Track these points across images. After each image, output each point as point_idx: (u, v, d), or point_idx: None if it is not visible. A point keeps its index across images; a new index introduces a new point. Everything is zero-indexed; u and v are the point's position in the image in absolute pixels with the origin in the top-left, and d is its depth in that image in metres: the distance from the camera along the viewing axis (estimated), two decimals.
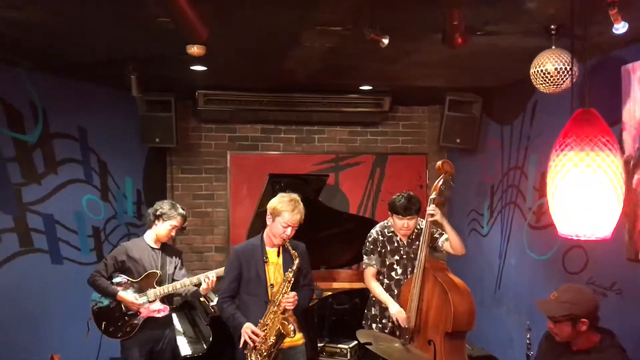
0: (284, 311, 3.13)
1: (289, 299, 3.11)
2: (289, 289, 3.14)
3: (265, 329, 3.10)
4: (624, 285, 3.29)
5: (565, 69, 2.89)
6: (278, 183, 4.22)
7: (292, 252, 3.16)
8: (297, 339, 3.28)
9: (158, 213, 3.64)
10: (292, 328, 3.07)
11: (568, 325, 2.68)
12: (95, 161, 4.68)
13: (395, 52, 3.55)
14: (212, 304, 4.05)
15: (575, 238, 1.72)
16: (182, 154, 5.60)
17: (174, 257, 3.77)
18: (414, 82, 4.64)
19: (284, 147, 5.80)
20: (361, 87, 5.01)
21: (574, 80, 2.66)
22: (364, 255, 3.91)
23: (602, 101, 3.42)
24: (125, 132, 5.00)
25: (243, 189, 5.68)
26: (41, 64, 3.96)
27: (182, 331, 4.13)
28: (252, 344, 3.10)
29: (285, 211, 3.14)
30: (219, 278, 3.62)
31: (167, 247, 3.78)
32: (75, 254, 4.42)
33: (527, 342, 3.43)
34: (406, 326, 3.52)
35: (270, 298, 3.15)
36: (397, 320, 3.58)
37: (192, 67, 4.06)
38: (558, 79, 2.93)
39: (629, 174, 3.16)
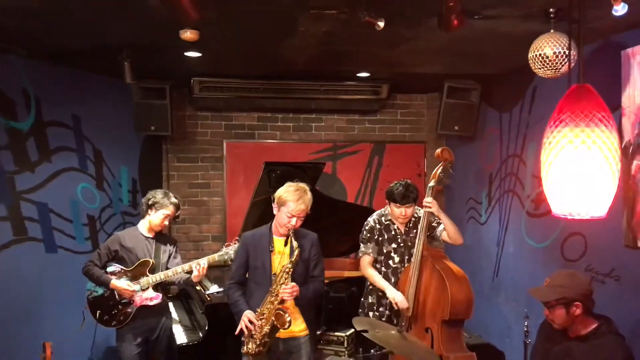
0: (282, 302, 3.11)
1: (287, 290, 3.09)
2: (288, 279, 3.12)
3: (262, 318, 3.10)
4: (622, 271, 3.26)
5: (564, 52, 2.85)
6: (274, 171, 4.19)
7: (294, 243, 3.14)
8: (300, 330, 3.26)
9: (151, 202, 3.64)
10: (287, 319, 3.05)
11: (562, 309, 2.67)
12: (90, 149, 4.64)
13: (393, 38, 3.50)
14: (207, 292, 4.04)
15: (569, 217, 1.68)
16: (178, 142, 5.56)
17: (168, 246, 3.75)
18: (412, 69, 4.59)
19: (280, 135, 5.76)
20: (359, 75, 4.96)
21: (572, 64, 2.62)
22: (361, 244, 3.89)
23: (601, 86, 3.36)
24: (121, 120, 4.95)
25: (239, 177, 5.65)
26: (34, 52, 3.91)
27: (178, 320, 4.13)
28: (246, 332, 3.10)
29: (290, 201, 3.12)
30: (213, 265, 3.61)
31: (161, 236, 3.76)
32: (70, 242, 4.39)
33: (525, 330, 3.43)
34: (403, 308, 3.51)
35: (271, 288, 3.14)
36: (396, 305, 3.57)
37: (186, 54, 4.00)
38: (557, 63, 2.89)
39: (628, 160, 3.13)
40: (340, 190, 5.81)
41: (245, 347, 3.15)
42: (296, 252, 3.12)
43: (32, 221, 4.08)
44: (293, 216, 3.14)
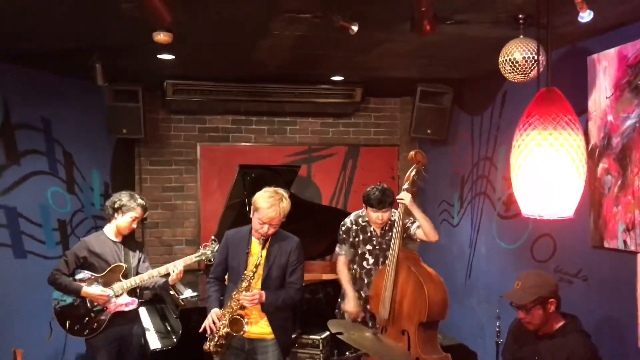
0: (242, 307, 3.11)
1: (247, 297, 3.08)
2: (249, 286, 3.11)
3: (223, 320, 3.11)
4: (589, 272, 3.35)
5: (533, 57, 2.91)
6: (248, 174, 4.18)
7: (267, 246, 3.14)
8: (266, 332, 3.24)
9: (117, 205, 3.55)
10: (244, 327, 3.09)
11: (539, 309, 2.73)
12: (60, 153, 4.56)
13: (366, 42, 3.53)
14: (181, 297, 4.00)
15: (538, 218, 1.73)
16: (151, 146, 5.50)
17: (136, 251, 3.69)
18: (385, 73, 4.63)
19: (255, 138, 5.74)
20: (333, 78, 4.98)
21: (541, 69, 2.68)
22: (337, 244, 3.93)
23: (568, 91, 3.46)
24: (92, 123, 4.88)
25: (214, 181, 5.61)
26: (1, 53, 3.82)
27: (151, 325, 4.07)
28: (208, 331, 3.12)
29: (262, 207, 3.08)
30: (188, 269, 3.59)
31: (128, 240, 3.69)
32: (40, 247, 4.31)
33: (497, 330, 3.49)
34: (382, 311, 3.54)
35: (236, 292, 3.14)
36: (349, 314, 3.69)
37: (159, 56, 3.97)
38: (526, 67, 2.95)
39: (594, 162, 3.21)
40: (315, 193, 5.83)
41: (206, 345, 3.15)
42: (258, 261, 3.12)
43: None
44: (264, 223, 3.10)
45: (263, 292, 3.13)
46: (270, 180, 4.43)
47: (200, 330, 3.15)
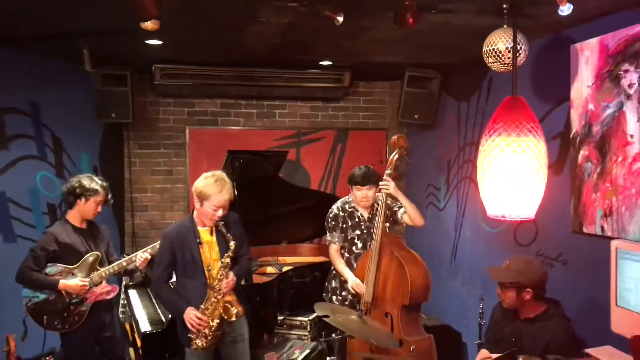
0: (223, 295, 3.14)
1: (227, 285, 3.13)
2: (228, 273, 3.15)
3: (207, 313, 3.12)
4: (569, 255, 3.44)
5: (512, 49, 2.96)
6: (237, 159, 4.21)
7: (228, 235, 3.13)
8: (240, 309, 3.28)
9: (78, 192, 3.41)
10: (234, 311, 3.12)
11: (513, 292, 2.85)
12: (49, 137, 4.56)
13: (353, 29, 3.55)
14: (171, 280, 4.05)
15: (502, 219, 1.80)
16: (140, 129, 5.51)
17: (102, 234, 3.63)
18: (373, 58, 4.66)
19: (244, 122, 5.76)
20: (321, 63, 4.99)
21: (523, 60, 2.73)
22: (327, 232, 3.98)
23: (552, 79, 3.55)
24: (81, 107, 4.87)
25: (203, 164, 5.63)
26: None
27: (142, 308, 4.13)
28: (195, 330, 3.11)
29: (213, 194, 3.06)
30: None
31: (92, 226, 3.59)
32: (30, 231, 4.33)
33: (480, 311, 3.60)
34: (366, 294, 3.62)
35: (209, 283, 3.14)
36: (355, 291, 3.67)
37: (147, 41, 3.97)
38: (509, 57, 3.00)
39: (575, 150, 3.28)
40: (304, 177, 5.88)
41: (194, 343, 3.13)
42: (232, 245, 3.12)
43: None
44: (219, 208, 3.10)
45: (231, 272, 3.18)
46: (259, 165, 4.50)
47: (190, 334, 3.13)
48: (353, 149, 5.99)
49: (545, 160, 1.77)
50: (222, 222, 3.15)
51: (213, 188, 3.07)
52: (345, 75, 5.26)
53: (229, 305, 3.13)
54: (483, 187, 1.80)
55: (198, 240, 3.17)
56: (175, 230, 3.24)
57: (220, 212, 3.12)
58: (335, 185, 5.96)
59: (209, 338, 3.13)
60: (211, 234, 3.21)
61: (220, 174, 3.16)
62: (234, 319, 3.15)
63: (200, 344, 3.13)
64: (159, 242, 3.33)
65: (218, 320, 3.13)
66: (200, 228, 3.21)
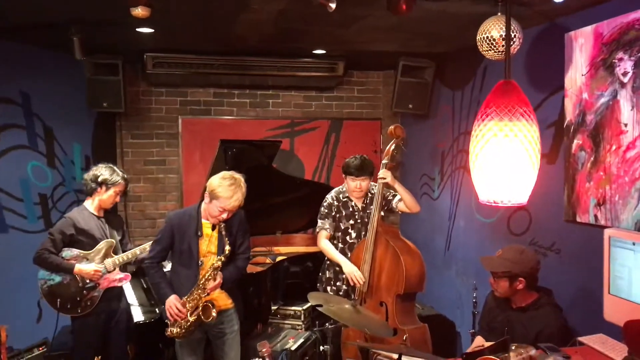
0: (208, 293, 3.15)
1: (213, 286, 3.14)
2: (216, 274, 3.14)
3: (188, 307, 3.13)
4: (562, 245, 3.44)
5: (505, 36, 2.93)
6: (230, 149, 4.19)
7: (225, 239, 3.12)
8: (227, 303, 3.33)
9: (100, 180, 3.50)
10: (213, 313, 3.12)
11: (506, 282, 2.85)
12: (40, 127, 4.52)
13: (346, 17, 3.52)
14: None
15: (494, 205, 1.79)
16: (132, 119, 5.46)
17: (119, 225, 3.70)
18: (367, 47, 4.62)
19: (237, 111, 5.73)
20: (315, 52, 4.96)
21: (517, 48, 2.71)
22: (319, 219, 3.97)
23: (546, 68, 3.53)
24: (72, 97, 4.82)
25: (196, 154, 5.61)
26: None
27: (135, 298, 4.12)
28: (172, 319, 3.14)
29: (224, 197, 3.04)
30: None
31: (110, 215, 3.67)
32: (21, 222, 4.30)
33: (474, 301, 3.60)
34: (361, 283, 3.61)
35: (196, 279, 3.15)
36: (352, 278, 3.66)
37: (138, 30, 3.92)
38: (503, 45, 2.98)
39: (569, 139, 3.28)
40: (297, 167, 5.86)
41: (169, 330, 3.16)
42: (227, 249, 3.11)
43: None
44: (225, 211, 3.09)
45: (220, 273, 3.17)
46: (252, 155, 4.48)
47: (166, 319, 3.16)
48: (347, 138, 5.97)
49: (538, 145, 1.75)
50: (224, 224, 3.14)
51: (226, 191, 3.05)
52: (339, 64, 5.22)
53: (210, 305, 3.13)
54: (475, 172, 1.79)
55: (199, 233, 3.19)
56: (179, 216, 3.27)
57: (225, 215, 3.11)
58: (329, 175, 5.95)
59: (183, 330, 3.14)
60: (212, 229, 3.21)
61: (238, 178, 3.12)
62: (209, 321, 3.14)
63: (174, 332, 3.15)
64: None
65: (195, 317, 3.12)
66: (203, 220, 3.22)
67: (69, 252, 3.45)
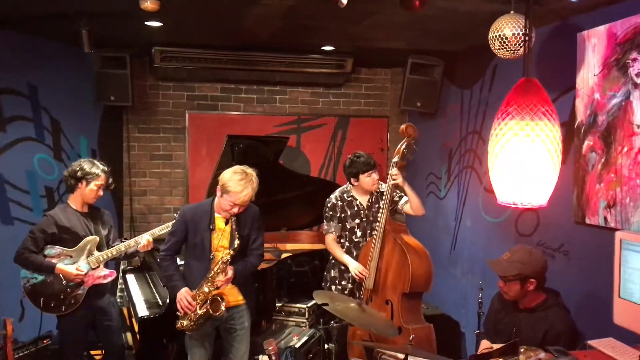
0: (217, 287, 3.14)
1: (222, 281, 3.13)
2: (226, 269, 3.14)
3: (198, 300, 3.13)
4: (570, 246, 3.41)
5: (522, 34, 2.90)
6: (237, 145, 4.17)
7: (236, 233, 3.13)
8: (239, 299, 3.33)
9: (79, 175, 3.42)
10: (222, 307, 3.12)
11: (517, 284, 2.81)
12: (47, 119, 4.51)
13: (357, 13, 3.49)
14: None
15: (513, 206, 1.76)
16: (139, 113, 5.45)
17: (104, 219, 3.63)
18: (376, 44, 4.59)
19: (244, 107, 5.71)
20: (323, 48, 4.93)
21: (531, 46, 2.68)
22: (324, 221, 3.96)
23: (558, 67, 3.50)
24: (80, 90, 4.82)
25: (202, 149, 5.60)
26: None
27: (140, 293, 4.11)
28: (182, 312, 3.14)
29: (235, 192, 3.04)
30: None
31: (94, 210, 3.60)
32: (27, 214, 4.30)
33: (479, 301, 3.58)
34: (366, 276, 3.61)
35: (207, 273, 3.15)
36: (357, 274, 3.67)
37: (146, 23, 3.91)
38: (515, 44, 2.95)
39: (580, 140, 3.24)
40: (304, 164, 5.84)
41: (179, 323, 3.16)
42: (237, 243, 3.12)
43: None
44: (236, 205, 3.10)
45: (232, 267, 3.17)
46: (259, 151, 4.45)
47: (178, 312, 3.16)
48: (354, 136, 5.94)
49: (560, 145, 1.72)
50: (235, 219, 3.14)
51: (236, 185, 3.04)
52: (348, 60, 5.20)
53: (219, 299, 3.13)
54: (494, 172, 1.76)
55: (212, 226, 3.20)
56: (193, 210, 3.29)
57: (235, 210, 3.11)
58: (336, 172, 5.92)
59: (193, 323, 3.14)
60: (226, 223, 3.21)
61: (250, 172, 3.12)
62: (218, 314, 3.14)
63: (184, 325, 3.14)
64: (159, 227, 3.46)
65: (204, 311, 3.13)
66: (217, 215, 3.23)
67: (51, 250, 3.38)
